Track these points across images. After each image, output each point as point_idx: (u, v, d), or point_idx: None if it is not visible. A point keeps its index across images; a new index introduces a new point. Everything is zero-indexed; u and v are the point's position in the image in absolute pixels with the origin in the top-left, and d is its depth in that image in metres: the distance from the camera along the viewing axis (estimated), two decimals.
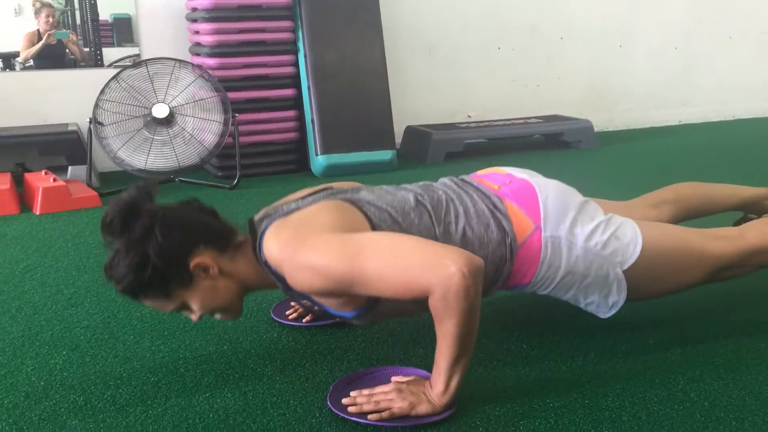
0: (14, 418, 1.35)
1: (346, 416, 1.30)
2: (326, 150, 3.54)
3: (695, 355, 1.55)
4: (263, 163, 3.65)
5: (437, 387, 1.30)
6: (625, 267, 1.51)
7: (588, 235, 1.50)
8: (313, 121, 3.58)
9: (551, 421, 1.30)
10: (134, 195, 1.36)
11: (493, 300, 1.87)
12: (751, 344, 1.60)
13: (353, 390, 1.37)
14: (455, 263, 1.20)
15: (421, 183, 1.59)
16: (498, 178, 1.60)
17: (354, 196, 1.47)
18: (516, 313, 1.80)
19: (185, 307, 1.42)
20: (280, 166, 3.70)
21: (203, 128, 3.34)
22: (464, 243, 1.44)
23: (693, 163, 3.77)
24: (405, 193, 1.51)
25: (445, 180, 1.62)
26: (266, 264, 1.39)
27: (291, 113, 3.68)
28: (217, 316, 1.48)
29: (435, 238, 1.43)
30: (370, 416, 1.29)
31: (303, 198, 1.49)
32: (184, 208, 1.47)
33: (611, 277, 1.51)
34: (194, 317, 1.44)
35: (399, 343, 1.64)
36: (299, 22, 3.61)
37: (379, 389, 1.35)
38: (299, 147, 3.74)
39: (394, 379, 1.39)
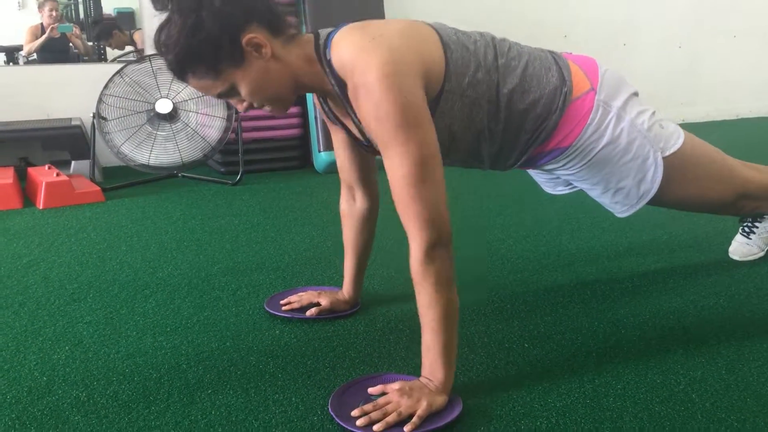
0: (17, 413, 1.36)
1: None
2: (329, 147, 3.53)
3: (697, 355, 1.55)
4: (266, 159, 3.65)
5: (438, 374, 1.31)
6: (666, 154, 1.54)
7: (636, 114, 1.54)
8: (315, 117, 3.58)
9: (552, 421, 1.30)
10: None
11: (495, 299, 1.88)
12: (753, 345, 1.60)
13: (349, 404, 1.33)
14: (442, 232, 1.28)
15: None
16: (563, 52, 1.63)
17: (426, 22, 1.46)
18: (518, 312, 1.80)
19: (233, 91, 1.36)
20: (283, 163, 3.70)
21: (206, 124, 3.34)
22: (523, 78, 1.46)
23: None
24: (471, 30, 1.51)
25: None
26: (329, 64, 1.35)
27: (294, 110, 3.67)
28: (266, 109, 1.42)
29: (497, 69, 1.44)
30: (406, 428, 1.25)
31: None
32: None
33: (650, 159, 1.54)
34: (241, 106, 1.39)
35: (401, 341, 1.64)
36: (303, 18, 3.61)
37: (383, 401, 1.32)
38: (302, 143, 3.74)
39: (374, 390, 1.36)
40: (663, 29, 4.95)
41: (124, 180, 3.36)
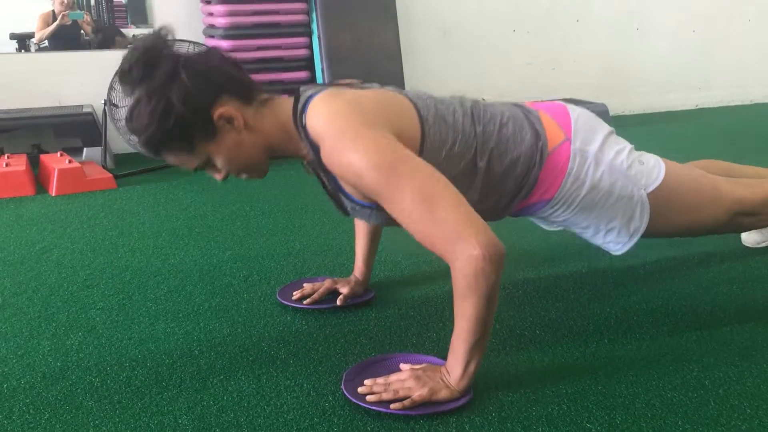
0: (31, 399, 1.37)
1: (364, 405, 1.29)
2: None
3: (710, 342, 1.55)
4: None
5: (455, 372, 1.30)
6: (649, 190, 1.53)
7: (614, 155, 1.53)
8: None
9: (564, 408, 1.30)
10: (153, 41, 1.30)
11: (507, 285, 1.87)
12: (766, 332, 1.59)
13: (366, 378, 1.36)
14: (481, 244, 1.17)
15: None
16: (530, 103, 1.63)
17: (404, 92, 1.46)
18: (529, 298, 1.80)
19: (210, 163, 1.37)
20: None
21: None
22: (499, 142, 1.46)
23: (710, 147, 3.73)
24: (448, 98, 1.51)
25: None
26: (305, 129, 1.34)
27: None
28: (243, 176, 1.43)
29: (474, 137, 1.44)
30: (392, 405, 1.27)
31: (359, 84, 1.47)
32: (207, 55, 1.39)
33: (635, 198, 1.53)
34: (219, 176, 1.40)
35: (412, 327, 1.64)
36: (313, 4, 3.59)
37: (394, 377, 1.34)
38: None
39: (405, 366, 1.38)
40: (676, 13, 4.90)
41: (136, 167, 3.37)
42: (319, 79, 3.60)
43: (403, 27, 3.85)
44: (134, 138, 1.34)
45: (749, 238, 2.12)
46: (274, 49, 3.57)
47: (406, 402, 1.28)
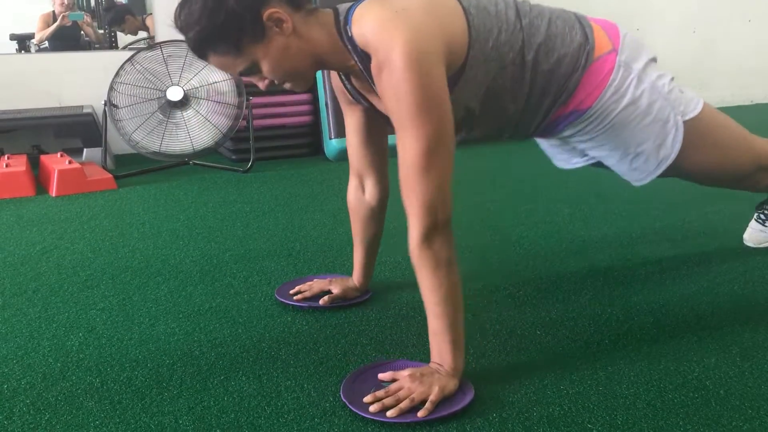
0: (31, 399, 1.37)
1: (390, 420, 1.25)
2: (340, 134, 3.53)
3: (711, 342, 1.54)
4: (277, 146, 3.65)
5: (446, 358, 1.31)
6: (686, 117, 1.53)
7: (657, 77, 1.52)
8: (326, 104, 3.56)
9: (565, 408, 1.30)
10: None
11: (507, 285, 1.87)
12: (767, 332, 1.58)
13: (361, 391, 1.33)
14: (442, 218, 1.28)
15: None
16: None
17: None
18: (530, 299, 1.80)
19: (255, 68, 1.35)
20: (294, 150, 3.70)
21: (217, 111, 3.34)
22: (547, 37, 1.45)
23: None
24: None
25: None
26: (351, 40, 1.33)
27: (305, 97, 3.67)
28: (287, 85, 1.41)
29: (520, 29, 1.43)
30: (420, 413, 1.25)
31: None
32: None
33: (671, 122, 1.52)
34: (262, 84, 1.38)
35: (412, 328, 1.64)
36: (314, 3, 3.59)
37: (395, 386, 1.32)
38: (313, 131, 3.73)
39: (384, 376, 1.37)
40: (677, 14, 4.90)
41: (136, 167, 3.37)
42: (320, 81, 3.60)
43: None
44: (183, 33, 1.31)
45: (751, 238, 2.12)
46: None
47: (428, 405, 1.26)
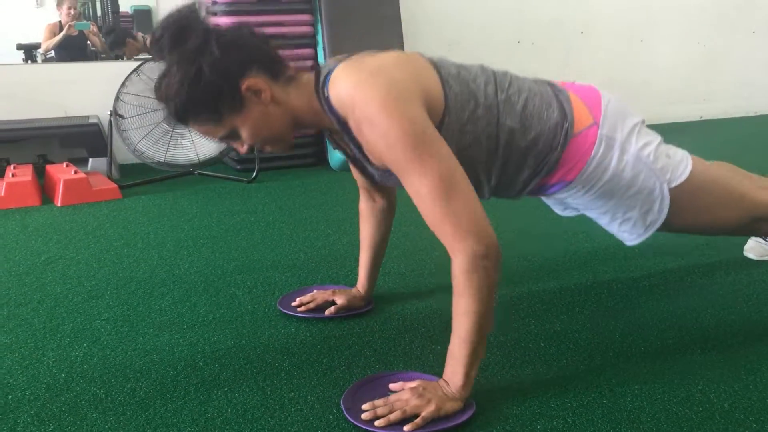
0: (36, 410, 1.37)
1: (375, 430, 1.27)
2: None
3: (715, 356, 1.54)
4: (281, 156, 3.66)
5: (456, 380, 1.30)
6: (672, 185, 1.51)
7: (642, 146, 1.51)
8: None
9: (569, 421, 1.29)
10: (185, 11, 1.31)
11: (512, 297, 1.87)
12: None
13: (363, 401, 1.34)
14: (484, 243, 1.23)
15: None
16: (562, 81, 1.61)
17: (427, 55, 1.46)
18: (534, 311, 1.79)
19: (235, 135, 1.38)
20: (298, 160, 3.70)
21: None
22: (523, 116, 1.44)
23: (714, 159, 3.72)
24: (472, 64, 1.51)
25: None
26: (328, 102, 1.35)
27: None
28: (267, 149, 1.44)
29: (497, 105, 1.43)
30: (406, 428, 1.25)
31: (377, 52, 1.45)
32: (239, 28, 1.39)
33: (656, 192, 1.51)
34: (242, 148, 1.41)
35: (416, 339, 1.64)
36: (318, 16, 3.61)
37: (394, 397, 1.33)
38: (317, 141, 3.74)
39: (395, 386, 1.37)
40: (681, 25, 4.91)
41: (141, 177, 3.38)
42: None
43: (409, 39, 3.86)
44: (164, 104, 1.34)
45: (753, 250, 2.12)
46: None
47: (418, 421, 1.26)
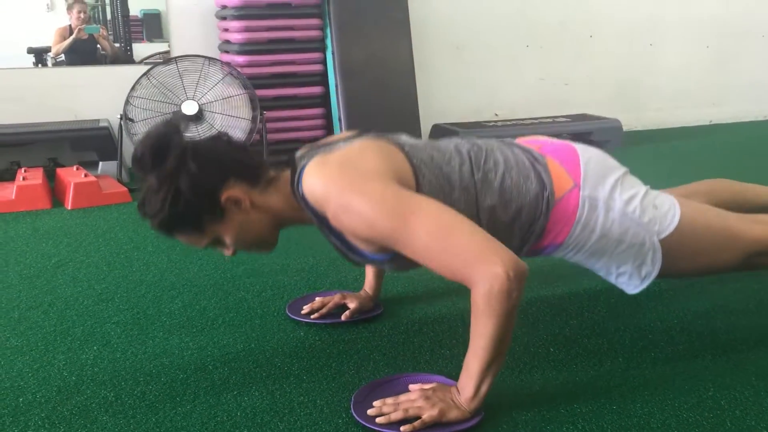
0: (46, 413, 1.37)
1: (374, 427, 1.28)
2: None
3: (726, 361, 1.53)
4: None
5: (466, 392, 1.29)
6: (662, 236, 1.50)
7: (626, 201, 1.50)
8: (340, 118, 3.58)
9: (579, 427, 1.29)
10: (163, 129, 1.36)
11: (521, 302, 1.86)
12: None
13: (376, 398, 1.36)
14: (503, 264, 1.18)
15: (461, 136, 1.58)
16: (540, 141, 1.62)
17: (397, 139, 1.47)
18: (543, 315, 1.79)
19: (219, 242, 1.43)
20: None
21: (231, 125, 3.36)
22: (502, 191, 1.45)
23: (724, 163, 3.71)
24: (446, 143, 1.51)
25: (485, 138, 1.62)
26: (304, 199, 1.38)
27: (318, 111, 3.69)
28: (252, 251, 1.49)
29: (474, 185, 1.43)
30: (403, 428, 1.26)
31: (345, 139, 1.46)
32: (214, 141, 1.45)
33: (647, 245, 1.50)
34: (228, 252, 1.44)
35: (425, 344, 1.64)
36: (328, 20, 3.62)
37: (404, 397, 1.33)
38: None
39: (414, 386, 1.38)
40: (690, 29, 4.89)
41: None
42: (333, 95, 3.62)
43: (417, 42, 3.86)
44: (148, 220, 1.40)
45: None
46: (289, 65, 3.60)
47: (416, 423, 1.27)
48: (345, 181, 1.31)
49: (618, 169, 1.55)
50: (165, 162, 1.34)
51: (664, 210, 1.52)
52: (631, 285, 1.57)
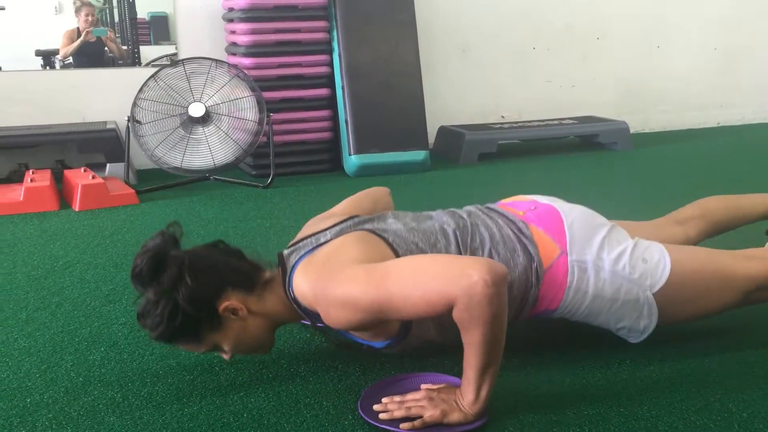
0: (54, 413, 1.38)
1: (377, 424, 1.30)
2: (359, 150, 3.54)
3: (733, 364, 1.53)
4: (297, 162, 3.67)
5: (467, 396, 1.29)
6: (655, 289, 1.50)
7: (615, 259, 1.50)
8: (346, 120, 3.59)
9: (585, 429, 1.29)
10: (160, 242, 1.39)
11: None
12: None
13: (384, 397, 1.37)
14: (477, 272, 1.17)
15: (446, 210, 1.60)
16: (523, 204, 1.62)
17: (379, 227, 1.48)
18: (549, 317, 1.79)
19: (218, 348, 1.45)
20: (314, 166, 3.71)
21: (238, 127, 3.37)
22: None
23: (731, 166, 3.70)
24: (431, 223, 1.53)
25: (470, 207, 1.63)
26: (295, 301, 1.41)
27: (325, 113, 3.69)
28: (250, 354, 1.52)
29: None
30: (402, 425, 1.28)
31: (329, 228, 1.50)
32: (210, 251, 1.49)
33: (641, 300, 1.50)
34: (227, 357, 1.46)
35: (431, 347, 1.64)
36: (334, 22, 3.62)
37: (410, 396, 1.34)
38: (333, 147, 3.75)
39: (424, 386, 1.38)
40: (697, 31, 4.88)
41: (158, 182, 3.40)
42: (339, 97, 3.62)
43: (423, 44, 3.86)
44: (148, 331, 1.41)
45: None
46: (295, 67, 3.60)
47: (417, 423, 1.28)
48: (325, 279, 1.33)
49: (603, 227, 1.55)
50: (162, 276, 1.36)
51: (654, 262, 1.51)
52: (632, 337, 1.58)
